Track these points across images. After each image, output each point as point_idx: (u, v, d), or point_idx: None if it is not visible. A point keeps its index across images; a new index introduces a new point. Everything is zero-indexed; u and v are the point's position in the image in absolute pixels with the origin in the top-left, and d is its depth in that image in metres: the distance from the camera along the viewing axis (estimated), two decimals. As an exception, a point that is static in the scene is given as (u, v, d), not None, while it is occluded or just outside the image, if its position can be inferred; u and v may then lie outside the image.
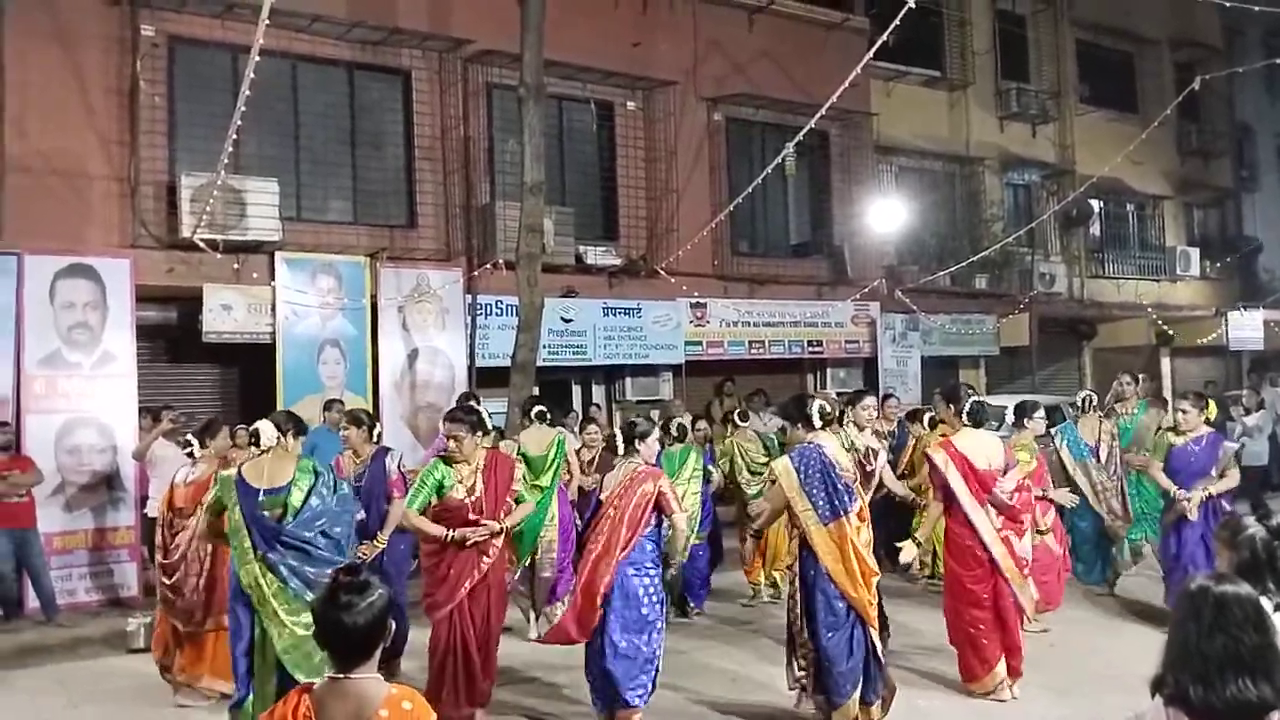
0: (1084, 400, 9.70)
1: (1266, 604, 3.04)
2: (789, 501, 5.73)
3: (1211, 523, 7.35)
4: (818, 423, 5.84)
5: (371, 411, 7.89)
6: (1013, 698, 6.40)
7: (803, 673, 5.78)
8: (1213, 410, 8.20)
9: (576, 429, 11.97)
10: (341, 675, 2.80)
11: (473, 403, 6.49)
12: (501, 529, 6.00)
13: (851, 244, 15.97)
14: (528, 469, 8.05)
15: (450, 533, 5.92)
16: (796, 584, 5.76)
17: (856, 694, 5.59)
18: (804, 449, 5.81)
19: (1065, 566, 8.42)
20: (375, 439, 7.21)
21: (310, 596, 5.19)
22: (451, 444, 6.06)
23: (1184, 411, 7.79)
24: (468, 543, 5.91)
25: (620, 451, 6.05)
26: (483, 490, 6.01)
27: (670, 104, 14.43)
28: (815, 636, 5.63)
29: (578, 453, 9.66)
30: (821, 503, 5.62)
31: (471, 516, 5.96)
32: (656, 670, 5.66)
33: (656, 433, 6.25)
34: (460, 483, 6.01)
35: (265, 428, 5.71)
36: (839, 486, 5.66)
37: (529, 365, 10.91)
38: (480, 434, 6.14)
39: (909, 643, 7.47)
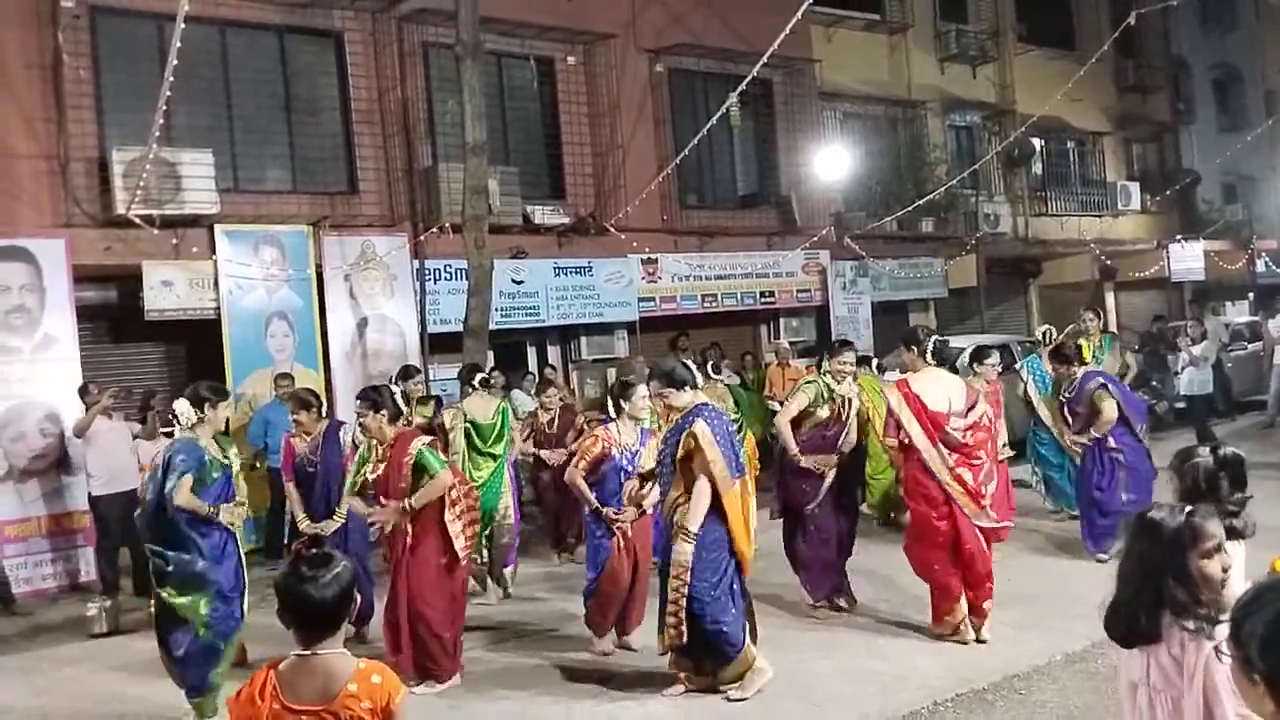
0: (1044, 334, 9.99)
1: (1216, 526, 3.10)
2: (709, 464, 5.49)
3: (1102, 460, 8.12)
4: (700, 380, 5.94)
5: (316, 390, 7.89)
6: (976, 640, 6.39)
7: (675, 638, 5.65)
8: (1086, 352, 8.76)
9: (533, 392, 11.98)
10: (309, 652, 2.77)
11: (398, 393, 6.57)
12: (405, 508, 5.97)
13: (799, 192, 15.97)
14: (477, 436, 8.07)
15: (367, 511, 6.26)
16: (688, 554, 5.51)
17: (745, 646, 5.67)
18: (704, 406, 5.69)
19: (1010, 503, 8.51)
20: (326, 414, 7.25)
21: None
22: (359, 427, 6.30)
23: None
24: (372, 522, 6.32)
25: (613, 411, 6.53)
26: (384, 469, 6.10)
27: (611, 57, 14.26)
28: (697, 601, 5.50)
29: (534, 414, 9.67)
30: (733, 461, 5.60)
31: (381, 497, 6.14)
32: None
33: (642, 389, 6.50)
34: (369, 462, 6.19)
35: (181, 406, 5.75)
36: (736, 444, 5.78)
37: (481, 329, 10.83)
38: (384, 413, 6.13)
39: (873, 586, 7.58)
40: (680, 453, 5.58)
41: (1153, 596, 2.68)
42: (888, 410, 6.66)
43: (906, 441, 6.46)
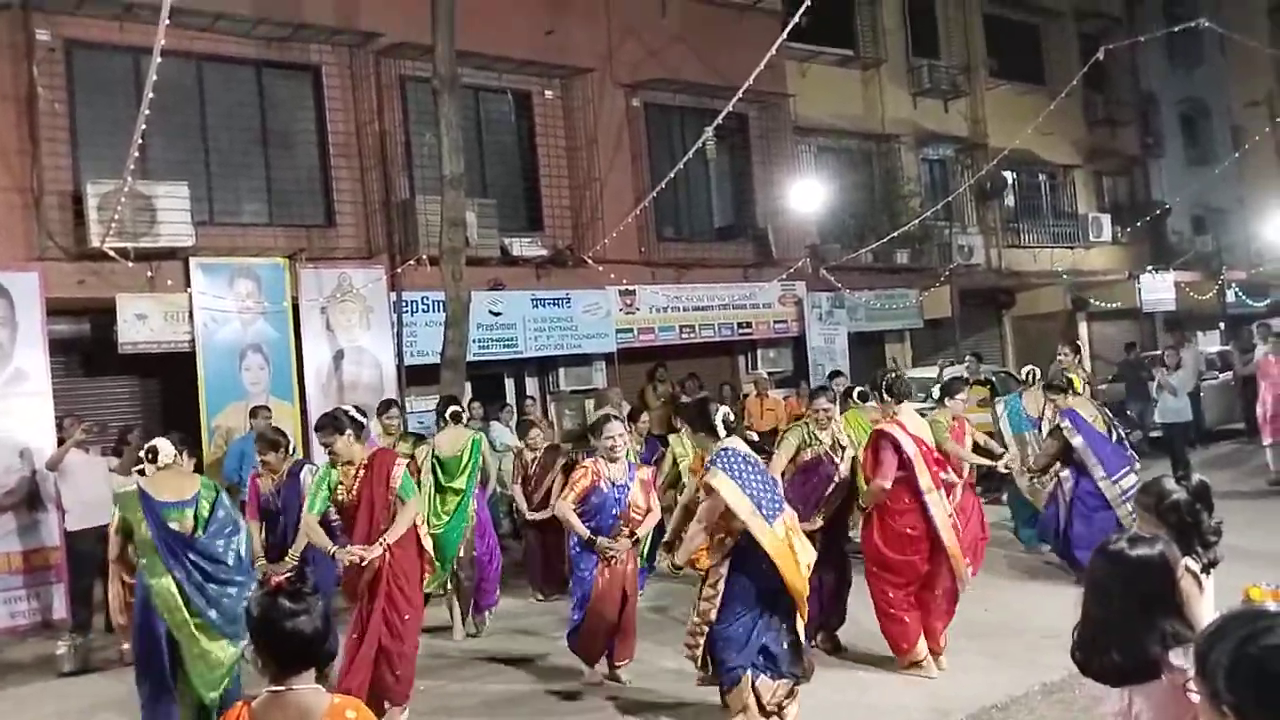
0: (1028, 374, 10.04)
1: (1194, 565, 3.11)
2: (730, 512, 5.21)
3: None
4: (722, 432, 5.45)
5: (284, 430, 7.85)
6: (939, 670, 6.41)
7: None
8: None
9: (511, 424, 11.94)
10: (283, 688, 2.74)
11: (351, 409, 6.43)
12: (381, 547, 5.81)
13: (775, 225, 16.08)
14: (442, 471, 7.89)
15: (332, 549, 5.88)
16: (720, 583, 5.32)
17: (748, 675, 5.29)
18: (723, 453, 5.35)
19: (984, 534, 8.47)
20: (291, 452, 7.27)
21: (214, 615, 5.42)
22: (326, 451, 6.11)
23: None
24: (347, 561, 5.82)
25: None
26: (359, 488, 5.95)
27: (588, 91, 14.36)
28: (722, 624, 5.31)
29: (519, 455, 9.57)
30: (765, 500, 5.22)
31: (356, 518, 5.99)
32: None
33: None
34: (342, 484, 5.99)
35: (163, 444, 5.77)
36: (771, 481, 5.40)
37: (459, 361, 10.80)
38: (350, 434, 6.01)
39: (851, 620, 7.55)
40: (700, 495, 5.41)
41: (1148, 632, 2.63)
42: (892, 450, 6.29)
43: (906, 482, 6.24)
